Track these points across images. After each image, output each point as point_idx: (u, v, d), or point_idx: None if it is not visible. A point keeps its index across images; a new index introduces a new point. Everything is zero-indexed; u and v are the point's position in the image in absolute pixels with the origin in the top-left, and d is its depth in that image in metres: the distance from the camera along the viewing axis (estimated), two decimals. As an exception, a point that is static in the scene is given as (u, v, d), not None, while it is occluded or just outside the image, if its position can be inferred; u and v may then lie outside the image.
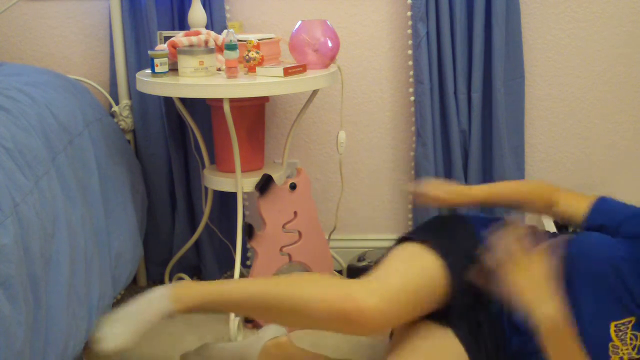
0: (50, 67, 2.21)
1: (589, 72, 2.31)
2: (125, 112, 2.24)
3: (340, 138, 2.21)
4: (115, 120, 2.22)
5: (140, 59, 2.23)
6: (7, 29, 2.31)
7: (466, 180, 2.27)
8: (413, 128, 2.29)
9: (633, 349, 1.51)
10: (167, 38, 2.03)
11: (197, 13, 2.06)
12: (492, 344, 1.60)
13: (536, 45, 2.29)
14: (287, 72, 1.85)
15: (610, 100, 2.33)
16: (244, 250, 2.26)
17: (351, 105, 2.35)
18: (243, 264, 2.30)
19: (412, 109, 2.28)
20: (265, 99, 2.09)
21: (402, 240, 1.69)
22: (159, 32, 2.10)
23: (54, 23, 2.31)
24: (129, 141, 2.26)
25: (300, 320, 1.57)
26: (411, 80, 2.27)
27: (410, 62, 2.25)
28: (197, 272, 2.39)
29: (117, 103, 2.27)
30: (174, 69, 1.95)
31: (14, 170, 1.43)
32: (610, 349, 1.51)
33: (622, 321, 1.51)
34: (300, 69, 1.91)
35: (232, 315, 1.94)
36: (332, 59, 2.02)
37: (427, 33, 2.18)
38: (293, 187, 2.04)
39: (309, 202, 2.08)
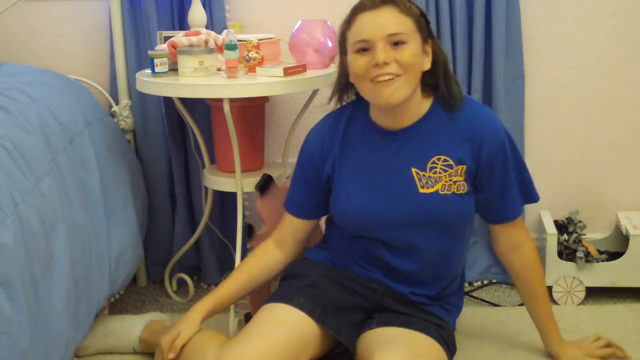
0: (50, 67, 2.21)
1: (589, 72, 2.31)
2: (125, 112, 2.24)
3: (340, 138, 2.20)
4: (115, 120, 2.22)
5: (140, 59, 2.23)
6: (7, 29, 2.31)
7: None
8: (413, 128, 2.29)
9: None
10: (167, 38, 2.03)
11: (197, 13, 2.06)
12: None
13: (536, 45, 2.29)
14: (287, 72, 1.85)
15: (610, 100, 2.33)
16: (244, 250, 2.26)
17: (351, 105, 2.34)
18: (243, 264, 2.29)
19: (412, 109, 2.27)
20: (265, 99, 2.09)
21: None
22: (159, 32, 2.10)
23: (54, 23, 2.31)
24: (129, 141, 2.26)
25: None
26: (411, 80, 2.26)
27: (410, 62, 2.25)
28: (197, 272, 2.39)
29: (117, 103, 2.26)
30: (174, 69, 1.95)
31: (14, 170, 1.43)
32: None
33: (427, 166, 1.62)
34: (300, 69, 1.91)
35: (232, 316, 1.94)
36: (332, 59, 2.02)
37: (427, 33, 2.18)
38: (293, 187, 2.04)
39: (309, 202, 2.08)
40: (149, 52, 1.91)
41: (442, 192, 1.60)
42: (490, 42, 2.19)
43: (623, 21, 2.26)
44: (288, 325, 1.59)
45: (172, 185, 2.31)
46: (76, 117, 1.87)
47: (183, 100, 2.11)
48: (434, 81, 1.64)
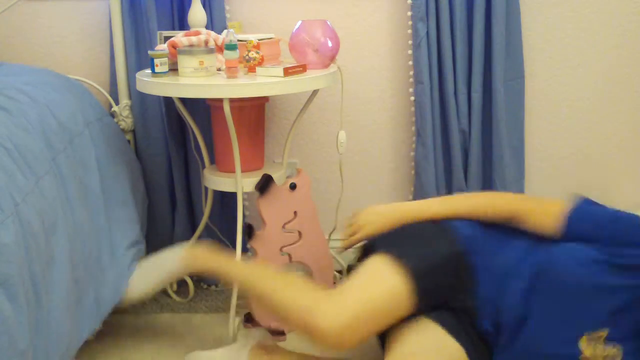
0: (50, 67, 2.21)
1: (589, 72, 2.31)
2: (125, 112, 2.24)
3: (340, 138, 2.21)
4: (115, 120, 2.22)
5: (140, 59, 2.23)
6: (7, 29, 2.31)
7: (466, 181, 2.27)
8: (413, 128, 2.29)
9: (604, 358, 1.50)
10: (167, 38, 2.03)
11: (197, 13, 2.06)
12: (472, 330, 1.63)
13: (536, 45, 2.29)
14: (287, 72, 1.85)
15: (610, 100, 2.33)
16: (244, 250, 2.26)
17: (351, 105, 2.35)
18: (243, 264, 2.29)
19: (412, 109, 2.28)
20: (265, 99, 2.09)
21: (368, 248, 1.71)
22: (159, 32, 2.10)
23: (54, 23, 2.31)
24: (129, 141, 2.26)
25: (282, 319, 1.69)
26: (411, 80, 2.27)
27: (410, 62, 2.25)
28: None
29: (117, 103, 2.26)
30: (174, 69, 1.95)
31: (14, 170, 1.43)
32: None
33: (595, 333, 1.50)
34: (300, 69, 1.91)
35: (232, 316, 1.94)
36: (332, 59, 2.02)
37: (427, 33, 2.18)
38: (293, 187, 2.04)
39: (309, 202, 2.08)
40: (149, 52, 1.91)
41: None
42: (490, 42, 2.19)
43: (623, 21, 2.27)
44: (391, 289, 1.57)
45: (172, 185, 2.31)
46: (76, 117, 1.87)
47: (183, 100, 2.11)
48: None
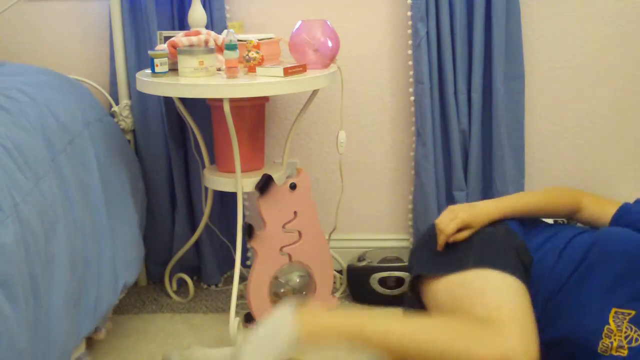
0: (50, 67, 2.21)
1: (588, 72, 2.31)
2: (125, 112, 2.24)
3: (340, 138, 2.21)
4: (115, 120, 2.22)
5: (140, 59, 2.23)
6: (7, 29, 2.31)
7: (466, 181, 2.27)
8: (413, 128, 2.29)
9: (625, 337, 1.51)
10: (167, 38, 2.03)
11: (197, 13, 2.06)
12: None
13: (536, 45, 2.29)
14: (287, 72, 1.85)
15: (611, 100, 2.33)
16: (244, 250, 2.26)
17: (351, 105, 2.35)
18: (243, 264, 2.30)
19: (412, 109, 2.28)
20: (265, 99, 2.09)
21: (440, 269, 1.56)
22: (159, 32, 2.10)
23: (54, 23, 2.31)
24: (129, 141, 2.26)
25: None
26: (411, 80, 2.27)
27: (410, 62, 2.25)
28: (197, 272, 2.39)
29: (117, 103, 2.26)
30: (174, 69, 1.95)
31: (14, 170, 1.43)
32: (605, 331, 1.51)
33: (623, 310, 1.51)
34: (300, 69, 1.91)
35: (232, 316, 1.93)
36: (332, 59, 2.02)
37: (427, 33, 2.18)
38: (293, 187, 2.04)
39: (309, 202, 2.08)
40: (149, 52, 1.91)
41: None
42: (490, 42, 2.19)
43: (623, 21, 2.26)
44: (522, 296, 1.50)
45: (172, 185, 2.31)
46: (76, 117, 1.87)
47: (183, 100, 2.11)
48: None
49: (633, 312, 1.51)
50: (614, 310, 1.52)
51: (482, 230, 1.64)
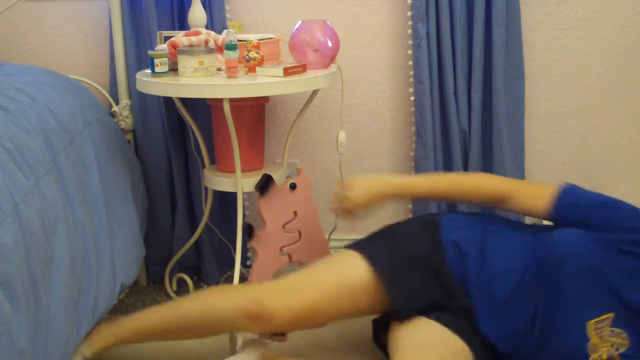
0: (50, 67, 2.21)
1: (589, 72, 2.31)
2: (125, 112, 2.24)
3: (340, 138, 2.21)
4: (115, 120, 2.22)
5: (140, 59, 2.23)
6: (7, 29, 2.31)
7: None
8: (413, 128, 2.29)
9: (612, 345, 1.50)
10: (167, 38, 2.03)
11: (197, 13, 2.06)
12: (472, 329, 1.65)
13: (536, 45, 2.29)
14: (287, 72, 1.85)
15: (610, 100, 2.33)
16: (244, 250, 2.26)
17: (351, 105, 2.35)
18: (243, 264, 2.30)
19: (412, 109, 2.28)
20: (265, 99, 2.09)
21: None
22: (159, 32, 2.10)
23: (54, 23, 2.31)
24: (129, 141, 2.25)
25: (211, 328, 1.72)
26: (411, 80, 2.27)
27: (410, 62, 2.25)
28: (197, 272, 2.39)
29: (117, 103, 2.26)
30: (174, 69, 1.95)
31: (14, 170, 1.43)
32: (589, 347, 1.51)
33: (600, 318, 1.51)
34: (300, 69, 1.91)
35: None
36: (332, 59, 2.02)
37: (427, 33, 2.18)
38: (293, 187, 2.04)
39: (309, 202, 2.08)
40: (149, 52, 1.91)
41: None
42: (490, 42, 2.19)
43: (623, 21, 2.27)
44: (350, 280, 1.65)
45: (172, 185, 2.31)
46: (76, 117, 1.87)
47: (183, 100, 2.11)
48: None
49: (612, 315, 1.50)
50: (591, 323, 1.51)
51: (400, 223, 1.82)
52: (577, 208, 1.60)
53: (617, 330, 1.50)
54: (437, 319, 1.63)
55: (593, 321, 1.50)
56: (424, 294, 1.65)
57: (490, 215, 1.87)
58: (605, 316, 1.50)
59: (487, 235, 1.68)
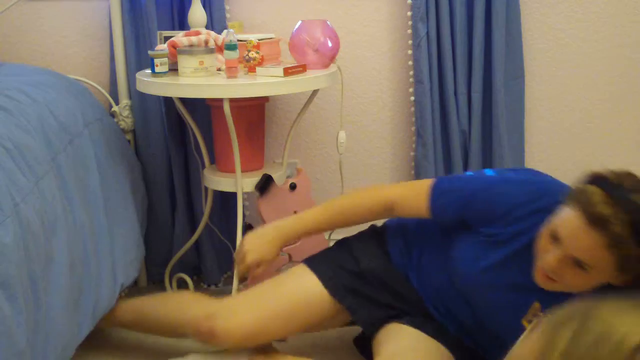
0: (50, 67, 2.21)
1: (589, 72, 2.31)
2: (125, 112, 2.24)
3: (340, 138, 2.21)
4: (115, 120, 2.22)
5: (140, 59, 2.23)
6: (7, 29, 2.31)
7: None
8: (413, 128, 2.29)
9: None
10: (167, 38, 2.02)
11: (197, 13, 2.06)
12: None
13: (536, 45, 2.29)
14: (287, 72, 1.85)
15: (610, 100, 2.33)
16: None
17: (351, 105, 2.35)
18: (243, 264, 2.29)
19: (412, 109, 2.28)
20: (265, 99, 2.09)
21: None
22: (159, 32, 2.10)
23: (54, 23, 2.30)
24: (129, 141, 2.25)
25: (175, 334, 1.82)
26: (411, 80, 2.27)
27: (410, 62, 2.25)
28: (197, 272, 2.39)
29: (117, 103, 2.26)
30: (174, 69, 1.95)
31: (14, 170, 1.43)
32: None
33: (529, 313, 1.52)
34: (300, 69, 1.91)
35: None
36: (332, 59, 2.02)
37: (427, 33, 2.18)
38: (293, 187, 2.04)
39: (309, 202, 2.08)
40: (149, 52, 1.91)
41: None
42: (490, 42, 2.19)
43: (623, 21, 2.26)
44: (302, 297, 1.68)
45: (172, 185, 2.31)
46: (76, 117, 1.87)
47: (183, 100, 2.11)
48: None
49: (536, 303, 1.50)
50: (525, 322, 1.52)
51: (354, 236, 1.84)
52: (449, 208, 1.60)
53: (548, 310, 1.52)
54: (411, 324, 1.68)
55: (525, 321, 1.51)
56: (378, 299, 1.71)
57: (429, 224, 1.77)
58: (531, 308, 1.51)
59: (423, 251, 1.73)
